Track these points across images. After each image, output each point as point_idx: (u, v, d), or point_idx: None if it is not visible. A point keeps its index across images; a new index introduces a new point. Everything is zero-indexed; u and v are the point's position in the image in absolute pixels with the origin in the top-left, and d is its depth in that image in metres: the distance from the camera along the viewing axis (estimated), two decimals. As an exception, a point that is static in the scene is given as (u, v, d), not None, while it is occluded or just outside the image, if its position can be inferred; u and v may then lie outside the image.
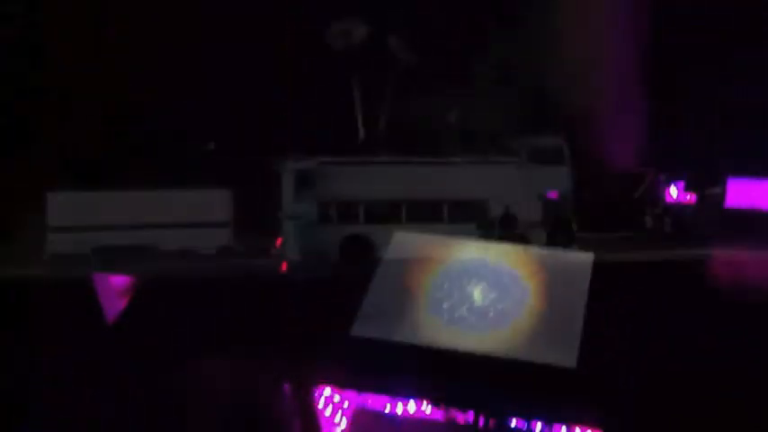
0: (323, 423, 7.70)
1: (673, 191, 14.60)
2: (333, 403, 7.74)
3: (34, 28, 27.49)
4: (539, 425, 7.63)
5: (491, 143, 27.28)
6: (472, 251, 24.84)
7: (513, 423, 7.77)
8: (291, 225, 25.51)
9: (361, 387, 7.29)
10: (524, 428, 7.72)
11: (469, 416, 7.87)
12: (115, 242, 23.27)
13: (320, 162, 25.68)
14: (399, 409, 7.89)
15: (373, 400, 7.64)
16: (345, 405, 7.72)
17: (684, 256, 23.82)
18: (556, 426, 7.57)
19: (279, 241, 25.01)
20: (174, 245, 23.81)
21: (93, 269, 21.73)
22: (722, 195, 11.03)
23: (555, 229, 25.58)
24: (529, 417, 7.59)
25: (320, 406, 7.64)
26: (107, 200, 23.69)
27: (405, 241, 25.08)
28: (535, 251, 26.10)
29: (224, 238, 24.53)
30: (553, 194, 26.49)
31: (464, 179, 26.07)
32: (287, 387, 7.57)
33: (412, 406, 7.86)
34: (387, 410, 7.82)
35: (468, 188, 25.84)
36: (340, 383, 7.30)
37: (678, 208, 46.25)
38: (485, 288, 24.53)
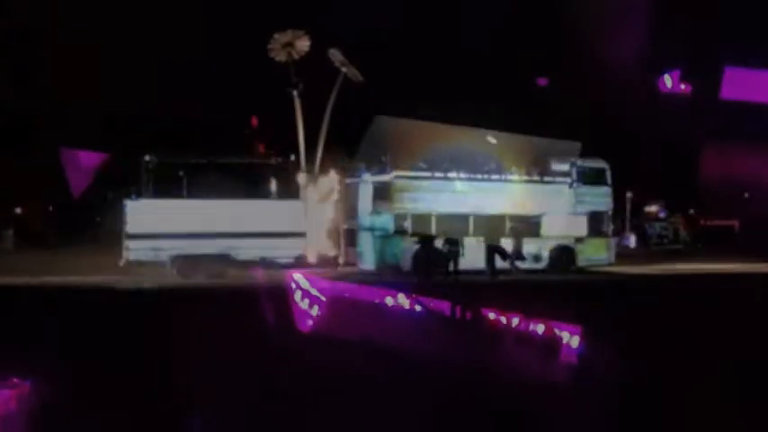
0: (297, 308, 7.73)
1: (667, 80, 14.08)
2: (309, 289, 7.77)
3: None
4: (516, 319, 7.47)
5: (542, 165, 28.58)
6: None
7: (491, 316, 7.62)
8: (368, 236, 25.83)
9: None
10: (502, 322, 7.57)
11: (446, 307, 7.78)
12: (192, 250, 23.58)
13: (396, 176, 25.96)
14: (377, 300, 7.86)
15: (350, 290, 7.65)
16: (322, 295, 7.73)
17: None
18: (534, 320, 7.41)
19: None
20: (250, 254, 23.96)
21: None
22: (718, 85, 10.51)
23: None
24: (507, 311, 7.44)
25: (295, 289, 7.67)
26: (185, 208, 24.00)
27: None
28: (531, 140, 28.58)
29: (299, 248, 24.61)
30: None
31: (524, 196, 27.46)
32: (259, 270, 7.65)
33: (390, 299, 7.83)
34: (364, 299, 7.80)
35: (528, 204, 27.41)
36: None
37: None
38: (479, 163, 25.66)
